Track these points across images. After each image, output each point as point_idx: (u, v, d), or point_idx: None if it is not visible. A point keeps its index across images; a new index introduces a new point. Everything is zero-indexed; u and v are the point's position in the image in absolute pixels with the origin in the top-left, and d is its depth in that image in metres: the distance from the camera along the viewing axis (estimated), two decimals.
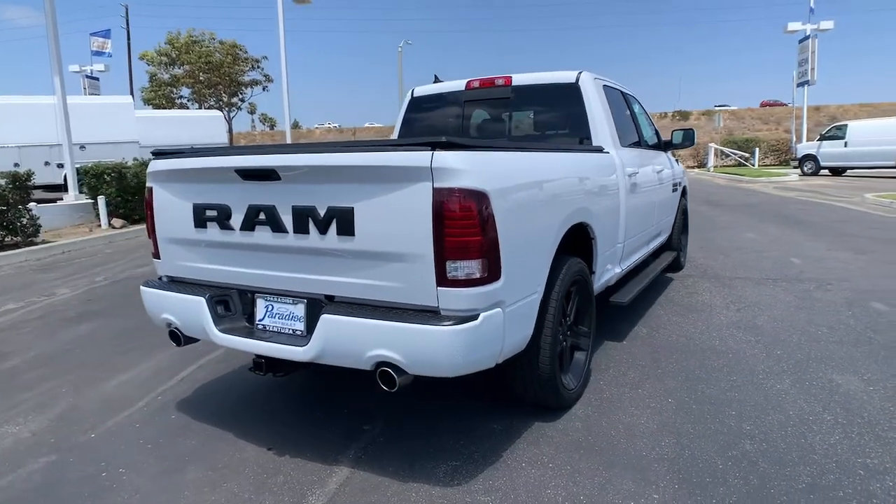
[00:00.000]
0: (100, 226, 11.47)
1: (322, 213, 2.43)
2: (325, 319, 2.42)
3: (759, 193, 16.58)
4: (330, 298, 2.59)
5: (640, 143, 4.97)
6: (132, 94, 30.30)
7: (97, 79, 28.78)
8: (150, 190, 3.05)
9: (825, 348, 4.01)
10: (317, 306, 2.60)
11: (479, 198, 2.24)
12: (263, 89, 34.39)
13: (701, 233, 9.02)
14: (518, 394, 3.06)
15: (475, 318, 2.28)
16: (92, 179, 11.72)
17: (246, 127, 48.01)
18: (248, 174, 2.57)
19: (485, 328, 2.31)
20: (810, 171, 23.09)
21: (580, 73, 4.17)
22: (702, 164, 30.75)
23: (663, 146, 5.68)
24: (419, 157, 2.21)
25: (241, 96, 34.22)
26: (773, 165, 30.00)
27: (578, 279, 3.21)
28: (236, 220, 2.69)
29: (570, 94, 4.14)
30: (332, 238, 2.43)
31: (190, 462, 2.81)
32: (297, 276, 2.61)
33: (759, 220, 10.70)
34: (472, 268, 2.25)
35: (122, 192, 11.87)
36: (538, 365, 2.89)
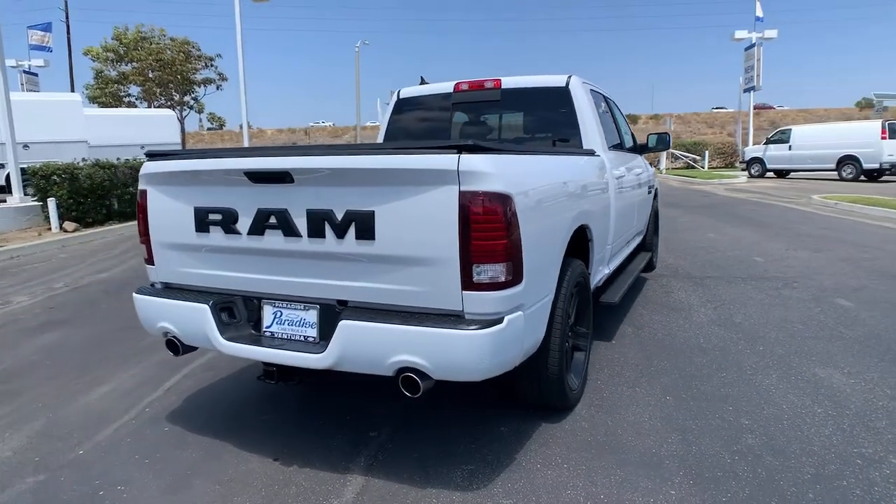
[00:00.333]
0: (50, 229, 10.89)
1: (340, 216, 2.37)
2: (345, 325, 2.37)
3: (713, 195, 17.22)
4: (343, 303, 2.53)
5: (621, 146, 5.07)
6: (73, 90, 28.96)
7: (36, 74, 27.37)
8: (144, 193, 2.91)
9: (803, 343, 4.19)
10: (330, 312, 2.54)
11: (505, 201, 2.23)
12: (217, 88, 33.48)
13: (664, 233, 9.26)
14: (525, 396, 3.08)
15: (500, 321, 2.28)
16: (41, 180, 11.12)
17: (194, 127, 46.54)
18: (259, 177, 2.49)
19: (509, 332, 2.31)
20: (757, 173, 24.12)
21: (569, 76, 4.23)
22: (653, 166, 31.69)
23: (639, 149, 5.82)
24: (445, 161, 2.19)
25: (193, 95, 33.18)
26: (721, 168, 31.18)
27: (580, 280, 3.25)
28: (243, 224, 2.60)
29: (559, 98, 4.19)
30: (349, 242, 2.38)
31: (194, 476, 2.70)
32: (310, 282, 2.55)
33: (717, 221, 11.11)
34: (497, 271, 2.25)
35: (74, 194, 11.31)
36: (547, 367, 2.91)
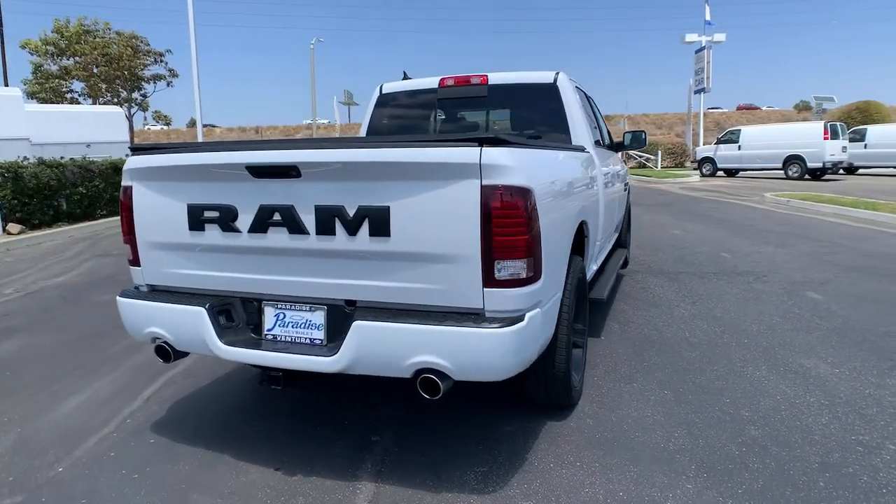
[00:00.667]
0: None
1: (352, 212, 2.26)
2: (359, 326, 2.26)
3: (669, 193, 17.70)
4: (351, 303, 2.42)
5: (601, 143, 5.11)
6: (7, 84, 27.32)
7: None
8: (128, 189, 2.72)
9: (784, 335, 4.31)
10: (339, 313, 2.43)
11: (526, 195, 2.18)
12: (168, 84, 32.19)
13: (630, 230, 9.45)
14: (532, 394, 3.04)
15: (521, 319, 2.22)
16: None
17: (138, 125, 44.59)
18: (262, 171, 2.35)
19: (530, 330, 2.25)
20: (708, 172, 24.96)
21: (557, 73, 4.22)
22: None
23: (615, 147, 5.89)
24: (467, 154, 2.11)
25: (142, 92, 31.82)
26: (672, 167, 32.15)
27: (580, 276, 3.23)
28: (244, 221, 2.46)
29: (548, 95, 4.18)
30: (362, 239, 2.28)
31: (191, 490, 2.53)
32: (317, 281, 2.43)
33: (678, 219, 11.39)
34: (518, 267, 2.19)
35: (19, 195, 10.67)
36: (554, 364, 2.87)
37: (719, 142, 24.99)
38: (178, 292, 2.72)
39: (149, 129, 58.77)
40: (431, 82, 4.50)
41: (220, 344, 2.50)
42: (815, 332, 4.38)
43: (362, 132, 4.79)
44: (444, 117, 4.75)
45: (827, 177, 22.03)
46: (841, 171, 23.10)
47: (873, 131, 23.94)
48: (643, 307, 5.19)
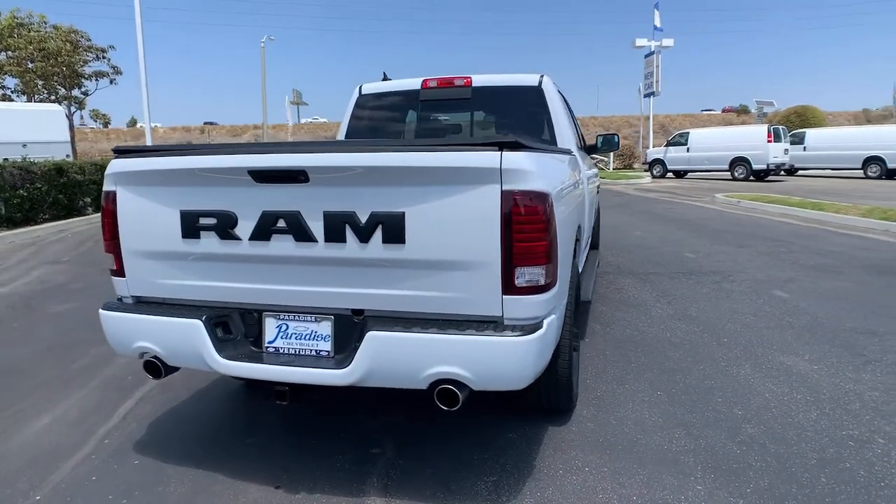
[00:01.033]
0: None
1: (364, 219, 2.18)
2: (373, 337, 2.18)
3: (624, 194, 18.14)
4: (359, 313, 2.33)
5: (581, 146, 5.15)
6: None
7: None
8: (112, 195, 2.54)
9: (761, 334, 4.44)
10: (347, 323, 2.34)
11: (545, 200, 2.15)
12: (111, 82, 30.75)
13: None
14: (535, 400, 3.01)
15: (540, 326, 2.19)
16: None
17: (76, 123, 42.50)
18: (266, 176, 2.23)
19: (548, 336, 2.23)
20: (659, 174, 25.72)
21: (542, 76, 4.22)
22: None
23: (588, 149, 5.96)
24: (487, 158, 2.06)
25: (83, 90, 30.27)
26: (622, 169, 32.98)
27: (577, 279, 3.23)
28: (244, 228, 2.33)
29: (533, 97, 4.18)
30: (375, 247, 2.19)
31: None
32: (324, 290, 2.32)
33: (637, 219, 11.67)
34: (537, 274, 2.15)
35: None
36: (557, 369, 2.85)
37: (669, 144, 25.81)
38: (168, 304, 2.56)
39: (87, 128, 56.18)
40: (413, 83, 4.43)
41: (218, 358, 2.36)
42: (788, 329, 4.53)
43: (340, 134, 4.67)
44: (426, 119, 4.68)
45: (770, 178, 23.06)
46: (782, 173, 24.22)
47: (812, 135, 25.25)
48: (621, 308, 5.26)
